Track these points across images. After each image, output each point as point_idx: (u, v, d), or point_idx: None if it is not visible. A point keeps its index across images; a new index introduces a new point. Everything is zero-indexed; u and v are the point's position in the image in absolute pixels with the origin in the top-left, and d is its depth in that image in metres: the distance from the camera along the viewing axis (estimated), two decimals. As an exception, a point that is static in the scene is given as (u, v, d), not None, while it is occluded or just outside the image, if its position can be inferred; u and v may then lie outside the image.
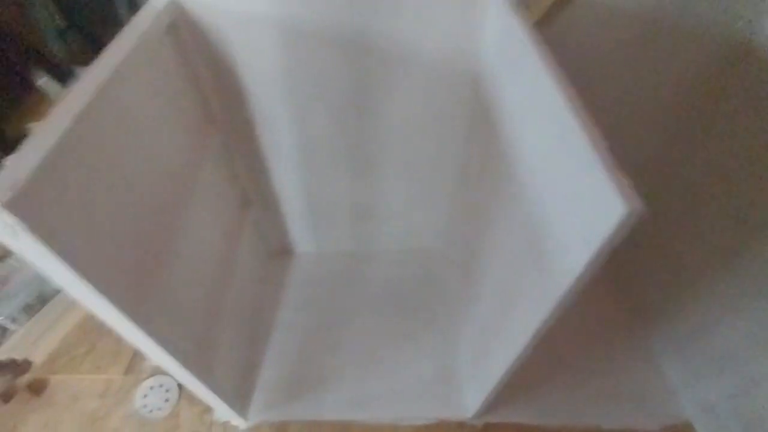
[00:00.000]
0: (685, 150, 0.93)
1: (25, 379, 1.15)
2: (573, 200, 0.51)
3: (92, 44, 1.98)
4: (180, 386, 1.12)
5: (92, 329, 1.24)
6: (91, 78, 0.55)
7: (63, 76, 1.59)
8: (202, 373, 0.79)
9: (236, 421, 1.04)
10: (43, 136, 0.46)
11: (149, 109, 0.68)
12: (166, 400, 1.09)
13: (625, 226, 0.43)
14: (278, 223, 1.28)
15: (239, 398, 1.03)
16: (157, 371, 1.15)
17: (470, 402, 1.01)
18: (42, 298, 1.27)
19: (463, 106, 0.94)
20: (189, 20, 0.77)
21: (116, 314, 0.55)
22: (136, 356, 1.18)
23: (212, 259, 0.94)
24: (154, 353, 0.67)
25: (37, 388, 1.14)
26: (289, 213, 1.24)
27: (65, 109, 0.50)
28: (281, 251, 1.38)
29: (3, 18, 1.65)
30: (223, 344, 0.94)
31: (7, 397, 1.11)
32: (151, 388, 1.11)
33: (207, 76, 0.86)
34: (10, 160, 0.43)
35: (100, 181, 0.54)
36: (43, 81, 1.53)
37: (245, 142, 1.02)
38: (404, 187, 1.15)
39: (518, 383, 0.82)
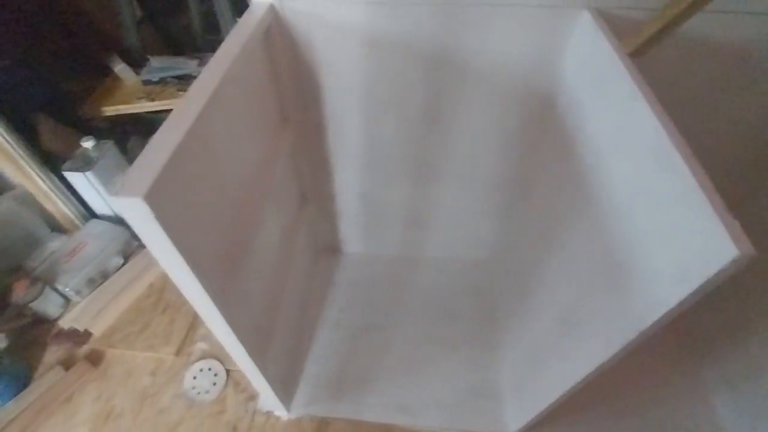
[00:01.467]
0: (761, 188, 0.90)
1: (85, 349, 1.22)
2: (670, 235, 0.50)
3: (161, 35, 2.08)
4: (228, 372, 1.16)
5: (146, 309, 1.30)
6: (206, 80, 0.58)
7: (137, 63, 1.68)
8: (260, 360, 0.82)
9: (279, 411, 1.07)
10: (168, 135, 0.49)
11: (243, 108, 0.72)
12: (214, 384, 1.13)
13: (733, 269, 0.43)
14: (330, 222, 1.30)
15: (285, 390, 1.06)
16: (206, 355, 1.19)
17: (512, 419, 1.00)
18: (104, 273, 1.34)
19: (533, 126, 0.94)
20: (281, 25, 0.80)
21: (204, 298, 0.58)
22: (187, 339, 1.23)
23: (274, 252, 0.97)
24: (225, 337, 0.69)
25: (94, 359, 1.20)
26: (343, 213, 1.26)
27: (186, 109, 0.53)
28: (329, 249, 1.41)
29: (89, 8, 1.75)
30: (277, 336, 0.97)
31: (67, 364, 1.18)
32: (201, 370, 1.15)
33: (288, 77, 0.89)
34: (143, 156, 0.46)
35: (205, 175, 0.58)
36: (120, 68, 1.62)
37: (312, 142, 1.05)
38: (461, 198, 1.15)
39: (563, 403, 0.81)
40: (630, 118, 0.59)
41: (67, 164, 1.34)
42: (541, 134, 0.93)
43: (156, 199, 0.42)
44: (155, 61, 1.67)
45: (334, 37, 0.82)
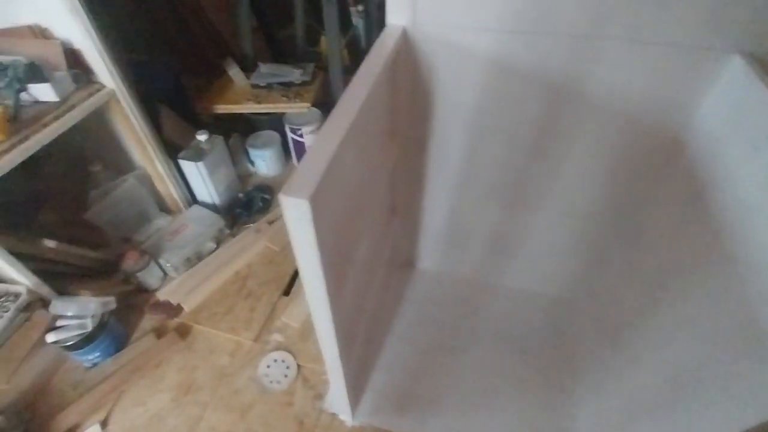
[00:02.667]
0: None
1: (175, 322, 1.33)
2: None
3: (268, 43, 2.26)
4: (299, 367, 1.20)
5: (231, 293, 1.39)
6: (353, 97, 0.62)
7: (248, 68, 1.84)
8: (345, 361, 0.84)
9: (344, 416, 1.09)
10: (325, 145, 0.53)
11: (369, 122, 0.76)
12: (285, 376, 1.18)
13: None
14: (412, 236, 1.32)
15: (353, 395, 1.08)
16: (281, 347, 1.25)
17: (587, 474, 0.94)
18: (199, 255, 1.46)
19: (652, 170, 0.89)
20: (409, 46, 0.84)
21: (323, 295, 0.62)
22: (264, 328, 1.30)
23: (364, 261, 1.00)
24: (325, 334, 0.72)
25: (182, 331, 1.31)
26: (426, 228, 1.28)
27: (337, 123, 0.57)
28: (404, 263, 1.43)
29: (212, 17, 1.95)
30: (357, 342, 1.00)
31: (159, 332, 1.29)
32: (275, 361, 1.21)
33: (404, 94, 0.93)
34: (305, 162, 0.50)
35: (340, 184, 0.62)
36: (234, 71, 1.78)
37: (413, 157, 1.08)
38: (554, 231, 1.12)
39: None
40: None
41: (182, 153, 1.48)
42: (662, 180, 0.88)
43: (315, 202, 0.46)
44: (264, 67, 1.81)
45: (458, 61, 0.84)
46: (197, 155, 1.47)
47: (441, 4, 0.78)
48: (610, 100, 0.82)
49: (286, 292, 1.39)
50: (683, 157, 0.81)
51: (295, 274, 1.43)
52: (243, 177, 1.79)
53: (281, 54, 2.31)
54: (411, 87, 0.92)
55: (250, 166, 1.82)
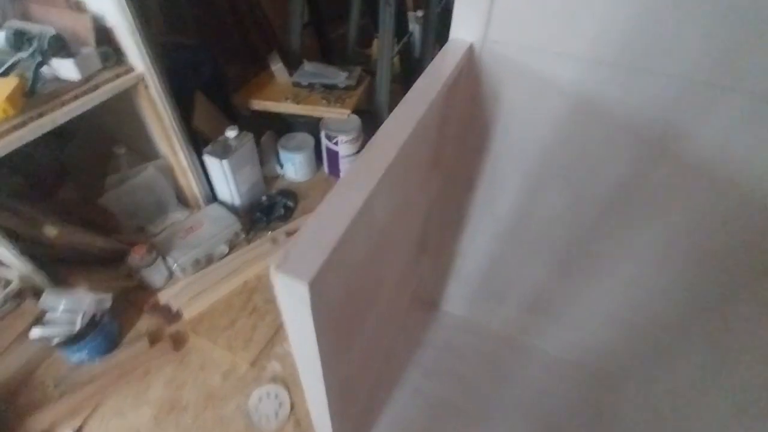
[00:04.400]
0: None
1: (172, 329, 1.23)
2: None
3: (318, 40, 2.16)
4: (292, 406, 1.07)
5: (236, 306, 1.28)
6: (399, 125, 0.48)
7: (292, 64, 1.73)
8: (338, 416, 0.70)
9: (335, 475, 0.95)
10: (347, 197, 0.39)
11: (411, 154, 0.61)
12: (276, 415, 1.05)
13: None
14: (441, 277, 1.16)
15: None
16: (278, 377, 1.13)
17: None
18: (209, 258, 1.36)
19: (758, 258, 0.70)
20: (473, 67, 0.69)
21: (317, 370, 0.48)
22: (263, 353, 1.18)
23: (383, 301, 0.86)
24: (314, 394, 0.59)
25: (177, 340, 1.20)
26: (459, 272, 1.12)
27: (372, 163, 0.43)
28: (427, 302, 1.27)
29: (264, 6, 1.87)
30: (360, 390, 0.86)
31: (153, 338, 1.20)
32: (267, 395, 1.08)
33: (456, 122, 0.78)
34: (310, 230, 0.36)
35: (361, 244, 0.47)
36: (278, 67, 1.68)
37: (455, 194, 0.92)
38: (612, 301, 0.94)
39: None
40: None
41: (208, 148, 1.39)
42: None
43: (317, 285, 0.32)
44: (309, 66, 1.70)
45: (531, 90, 0.68)
46: (223, 152, 1.38)
47: (523, 18, 0.62)
48: (717, 163, 0.64)
49: (294, 315, 1.26)
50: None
51: (307, 295, 1.30)
52: (269, 178, 1.69)
53: (330, 52, 2.21)
54: (468, 113, 0.77)
55: (278, 167, 1.71)
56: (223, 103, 1.64)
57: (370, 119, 1.72)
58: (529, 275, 1.00)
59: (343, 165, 1.68)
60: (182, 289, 1.28)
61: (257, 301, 1.30)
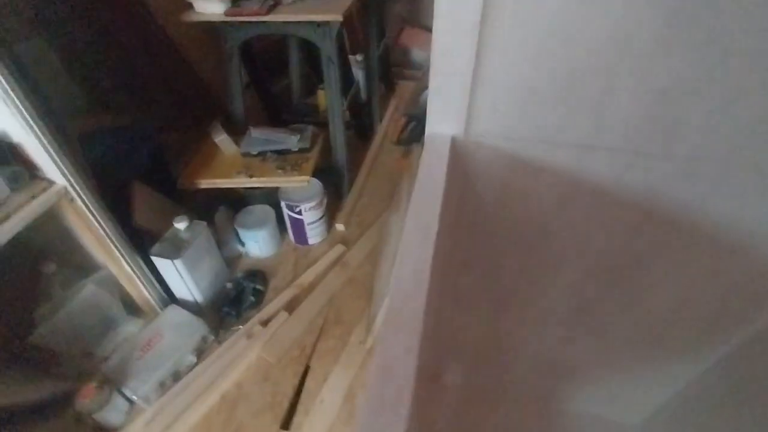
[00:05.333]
0: None
1: (143, 474, 1.03)
2: None
3: (262, 99, 2.04)
4: None
5: (217, 427, 1.11)
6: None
7: (237, 131, 1.60)
8: None
9: None
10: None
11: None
12: None
13: None
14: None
15: None
16: None
17: None
18: (176, 375, 1.17)
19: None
20: (458, 158, 0.61)
21: None
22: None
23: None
24: None
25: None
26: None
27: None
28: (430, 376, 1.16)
29: (201, 72, 1.74)
30: None
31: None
32: None
33: (451, 212, 0.69)
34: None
35: None
36: (221, 138, 1.54)
37: (453, 279, 0.83)
38: (624, 359, 0.88)
39: None
40: None
41: (156, 248, 1.22)
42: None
43: None
44: (256, 132, 1.58)
45: (524, 176, 0.61)
46: (175, 249, 1.21)
47: (506, 112, 0.55)
48: (718, 232, 0.60)
49: (285, 425, 1.11)
50: None
51: (297, 397, 1.15)
52: (231, 260, 1.53)
53: (275, 109, 2.10)
54: (459, 204, 0.69)
55: (239, 247, 1.56)
56: (168, 186, 1.47)
57: (329, 177, 1.61)
58: (546, 342, 0.92)
59: (310, 231, 1.55)
60: (147, 425, 1.08)
61: (242, 416, 1.12)
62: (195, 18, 1.33)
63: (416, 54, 2.73)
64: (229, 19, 1.33)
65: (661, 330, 0.79)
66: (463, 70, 0.52)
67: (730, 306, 0.70)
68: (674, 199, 0.59)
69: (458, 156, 0.62)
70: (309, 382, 1.18)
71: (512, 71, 0.52)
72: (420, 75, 2.49)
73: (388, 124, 2.27)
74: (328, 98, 1.55)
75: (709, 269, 0.66)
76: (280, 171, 1.46)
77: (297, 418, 1.11)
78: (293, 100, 2.16)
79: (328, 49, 1.40)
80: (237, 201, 1.60)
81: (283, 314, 1.32)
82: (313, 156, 1.54)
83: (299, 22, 1.33)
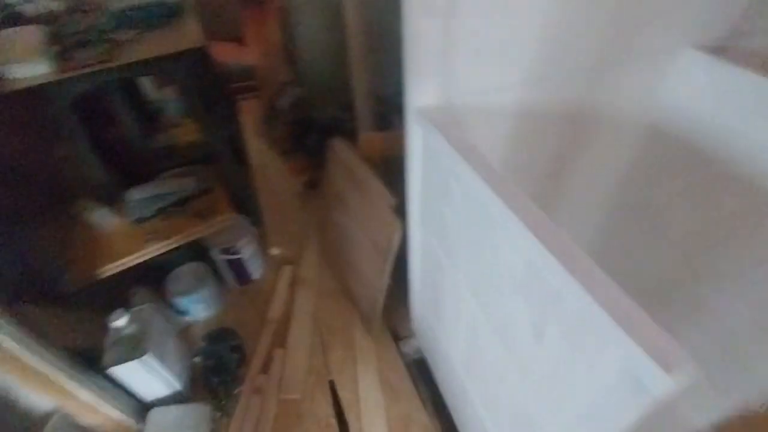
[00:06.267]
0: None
1: None
2: None
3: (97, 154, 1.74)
4: None
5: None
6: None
7: (113, 198, 1.37)
8: None
9: None
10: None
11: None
12: None
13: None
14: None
15: None
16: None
17: None
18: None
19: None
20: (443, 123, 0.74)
21: None
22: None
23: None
24: None
25: None
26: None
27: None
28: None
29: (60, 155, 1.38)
30: None
31: None
32: None
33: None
34: None
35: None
36: (99, 213, 1.29)
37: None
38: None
39: None
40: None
41: (109, 357, 1.02)
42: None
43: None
44: (137, 192, 1.38)
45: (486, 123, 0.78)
46: (132, 348, 1.03)
47: (469, 73, 0.70)
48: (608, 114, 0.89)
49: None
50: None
51: (340, 412, 1.15)
52: (182, 335, 1.35)
53: (118, 156, 1.80)
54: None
55: (182, 317, 1.38)
56: (59, 296, 1.19)
57: (251, 210, 1.53)
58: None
59: (252, 266, 1.47)
60: None
61: (298, 461, 1.08)
62: (12, 86, 1.06)
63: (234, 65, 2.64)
64: (62, 76, 1.11)
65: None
66: (436, 47, 0.64)
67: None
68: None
69: (449, 122, 0.73)
70: (342, 393, 1.19)
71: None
72: (256, 84, 2.44)
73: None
74: (205, 129, 1.44)
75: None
76: (196, 219, 1.33)
77: (353, 427, 1.12)
78: (132, 142, 1.89)
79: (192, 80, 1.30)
80: (157, 276, 1.39)
81: (279, 351, 1.27)
82: (221, 191, 1.44)
83: (157, 57, 1.20)
